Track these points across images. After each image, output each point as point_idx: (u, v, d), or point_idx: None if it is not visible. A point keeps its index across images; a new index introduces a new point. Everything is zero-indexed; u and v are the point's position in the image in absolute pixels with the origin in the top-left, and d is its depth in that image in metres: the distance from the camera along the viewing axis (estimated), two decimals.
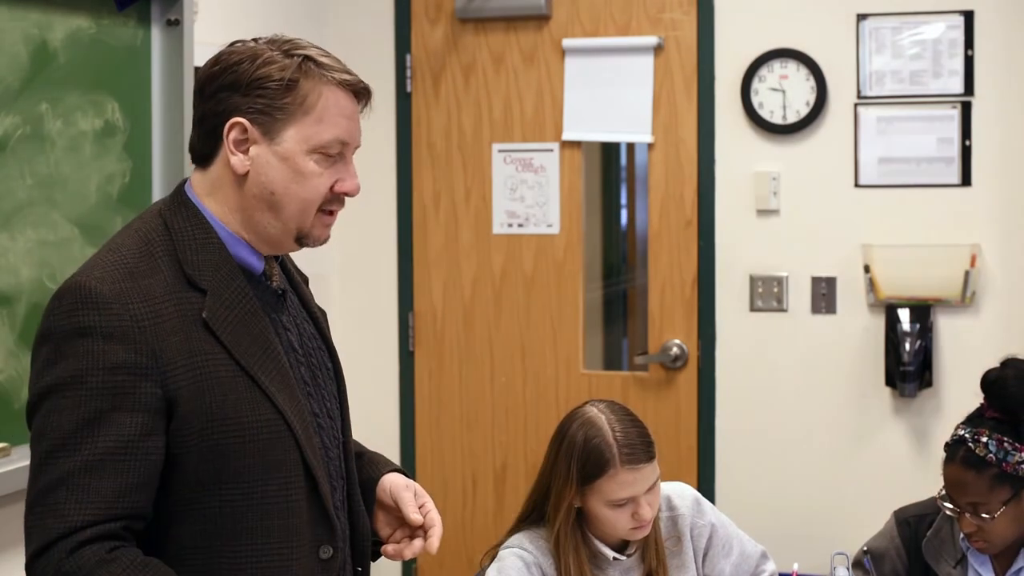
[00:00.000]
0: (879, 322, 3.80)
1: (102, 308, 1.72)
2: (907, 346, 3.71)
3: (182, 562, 1.77)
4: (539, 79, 4.10)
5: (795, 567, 2.71)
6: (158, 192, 3.15)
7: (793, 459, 3.91)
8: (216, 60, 1.84)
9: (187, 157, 3.12)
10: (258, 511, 1.79)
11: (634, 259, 5.42)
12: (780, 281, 3.91)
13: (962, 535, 2.70)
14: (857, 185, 3.84)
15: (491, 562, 2.57)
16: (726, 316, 3.96)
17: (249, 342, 1.80)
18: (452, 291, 4.19)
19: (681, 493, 2.67)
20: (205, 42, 3.24)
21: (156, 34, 3.16)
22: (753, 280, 3.93)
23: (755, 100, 3.90)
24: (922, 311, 3.74)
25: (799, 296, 3.89)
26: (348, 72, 1.85)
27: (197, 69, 3.18)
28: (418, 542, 1.97)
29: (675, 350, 4.01)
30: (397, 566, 4.21)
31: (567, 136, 4.07)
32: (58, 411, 1.71)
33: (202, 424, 1.75)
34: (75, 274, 1.78)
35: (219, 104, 1.82)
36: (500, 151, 4.15)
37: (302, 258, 2.02)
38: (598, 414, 2.54)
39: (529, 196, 4.12)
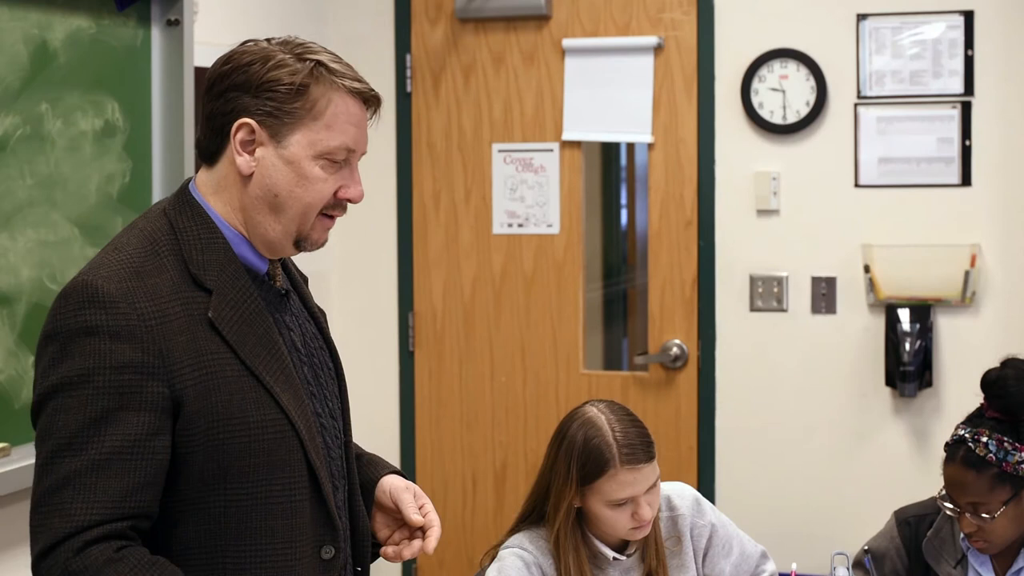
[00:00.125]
0: (879, 322, 3.80)
1: (109, 307, 1.72)
2: (907, 346, 3.71)
3: (186, 561, 1.77)
4: (539, 79, 4.10)
5: (793, 567, 2.71)
6: (158, 192, 3.15)
7: (793, 459, 3.91)
8: (227, 59, 1.84)
9: (187, 157, 3.15)
10: (262, 511, 1.79)
11: (634, 259, 5.42)
12: (780, 281, 3.91)
13: (962, 535, 2.70)
14: (857, 185, 3.84)
15: (491, 562, 2.58)
16: (726, 316, 3.96)
17: (254, 342, 1.81)
18: (452, 291, 4.19)
19: (681, 493, 2.67)
20: (205, 42, 3.24)
21: (156, 34, 3.16)
22: (753, 280, 3.93)
23: (755, 100, 3.90)
24: (922, 311, 3.74)
25: (799, 296, 3.90)
26: (359, 79, 1.85)
27: (197, 69, 3.18)
28: (416, 543, 1.97)
29: (675, 350, 4.01)
30: (397, 566, 4.21)
31: (567, 136, 4.07)
32: (64, 410, 1.71)
33: (208, 423, 1.75)
34: (81, 273, 1.77)
35: (228, 103, 1.82)
36: (500, 151, 4.15)
37: (302, 257, 2.02)
38: (598, 414, 2.54)
39: (529, 196, 4.12)
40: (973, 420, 2.69)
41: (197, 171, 1.92)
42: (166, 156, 3.16)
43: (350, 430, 2.01)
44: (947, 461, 2.68)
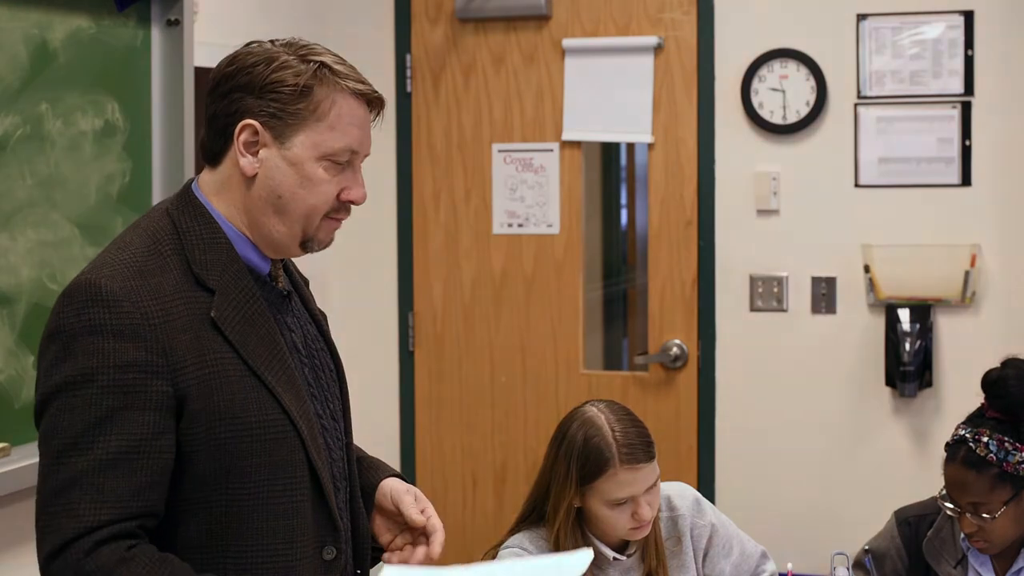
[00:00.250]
0: (879, 322, 3.80)
1: (112, 306, 1.72)
2: (907, 346, 3.71)
3: (188, 561, 1.76)
4: (539, 79, 4.10)
5: (789, 567, 2.71)
6: (158, 192, 3.15)
7: (793, 459, 3.91)
8: (232, 60, 1.84)
9: (187, 157, 3.15)
10: (263, 511, 1.79)
11: (634, 259, 5.42)
12: (780, 281, 3.91)
13: (963, 535, 2.70)
14: (857, 185, 3.84)
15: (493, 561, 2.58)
16: (726, 316, 3.96)
17: (256, 342, 1.81)
18: (452, 291, 4.19)
19: (681, 493, 2.67)
20: (205, 42, 3.24)
21: (156, 34, 3.16)
22: (753, 280, 3.93)
23: (755, 100, 3.90)
24: (922, 311, 3.74)
25: (799, 296, 3.90)
26: (362, 81, 1.86)
27: (197, 69, 3.18)
28: (421, 549, 1.97)
29: (675, 350, 4.01)
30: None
31: (567, 136, 4.07)
32: (69, 410, 1.70)
33: (209, 423, 1.75)
34: (84, 272, 1.77)
35: (232, 104, 1.82)
36: (500, 151, 4.15)
37: (302, 257, 2.02)
38: (598, 414, 2.54)
39: (529, 196, 4.12)
40: (974, 420, 2.69)
41: (199, 172, 1.92)
42: (166, 156, 3.16)
43: (351, 432, 2.01)
44: (948, 461, 2.68)
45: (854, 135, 3.83)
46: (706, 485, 3.94)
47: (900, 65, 3.79)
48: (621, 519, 2.50)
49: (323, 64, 1.82)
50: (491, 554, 2.61)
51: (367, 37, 4.19)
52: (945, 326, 3.78)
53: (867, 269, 3.80)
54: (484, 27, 4.13)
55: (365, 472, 2.06)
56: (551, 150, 4.10)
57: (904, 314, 3.74)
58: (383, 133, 4.18)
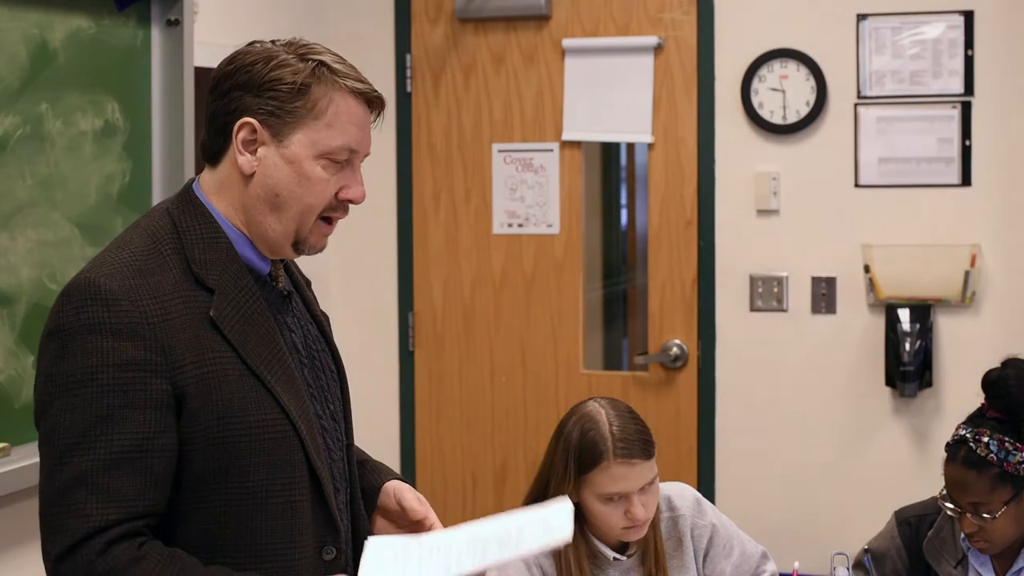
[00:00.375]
0: (879, 322, 3.80)
1: (111, 305, 1.72)
2: (907, 346, 3.71)
3: None
4: (539, 79, 4.10)
5: (796, 566, 2.71)
6: (158, 192, 3.15)
7: (793, 459, 3.91)
8: (231, 59, 1.85)
9: (187, 157, 3.15)
10: (262, 511, 1.79)
11: (634, 259, 5.42)
12: (780, 281, 3.91)
13: (963, 535, 2.70)
14: (857, 185, 3.84)
15: None
16: (726, 316, 3.96)
17: (256, 342, 1.81)
18: (452, 291, 4.19)
19: (681, 493, 2.67)
20: (205, 42, 3.24)
21: (156, 34, 3.16)
22: (753, 280, 3.93)
23: (755, 100, 3.90)
24: (922, 311, 3.74)
25: (799, 296, 3.90)
26: (362, 80, 1.86)
27: (197, 69, 3.18)
28: None
29: (675, 350, 4.01)
30: None
31: (567, 136, 4.07)
32: (70, 410, 1.71)
33: (208, 422, 1.75)
34: (83, 271, 1.78)
35: (231, 103, 1.82)
36: (500, 151, 4.15)
37: (302, 257, 2.02)
38: (598, 409, 2.55)
39: (529, 196, 4.12)
40: (974, 420, 2.69)
41: (199, 172, 1.92)
42: (166, 156, 3.16)
43: (351, 433, 2.01)
44: (948, 461, 2.68)
45: (854, 135, 3.83)
46: (706, 485, 3.94)
47: (900, 65, 3.79)
48: (614, 516, 2.50)
49: (322, 63, 1.83)
50: None
51: (367, 37, 4.19)
52: (945, 326, 3.78)
53: (867, 269, 3.80)
54: (484, 27, 4.13)
55: (368, 474, 2.06)
56: (551, 150, 4.10)
57: (904, 314, 3.74)
58: (383, 133, 4.18)
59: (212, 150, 1.87)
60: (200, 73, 3.18)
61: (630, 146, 5.22)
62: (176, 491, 1.76)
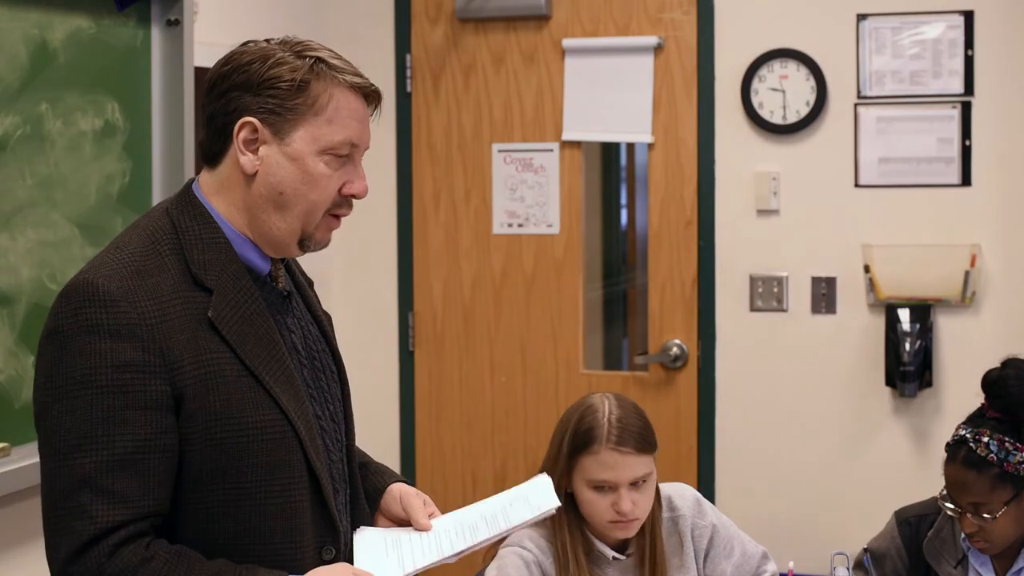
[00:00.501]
0: (879, 322, 3.80)
1: (109, 306, 1.72)
2: (907, 346, 3.71)
3: None
4: (539, 79, 4.10)
5: (790, 565, 2.71)
6: (158, 192, 3.15)
7: (793, 459, 3.91)
8: (227, 59, 1.84)
9: (187, 157, 3.14)
10: (261, 511, 1.79)
11: (634, 259, 5.42)
12: (780, 281, 3.91)
13: (963, 535, 2.70)
14: (857, 185, 3.84)
15: (493, 559, 2.57)
16: (726, 316, 3.96)
17: (254, 342, 1.81)
18: (452, 291, 4.19)
19: (682, 494, 2.67)
20: (205, 42, 3.24)
21: (156, 34, 3.16)
22: (753, 280, 3.93)
23: (755, 100, 3.90)
24: (922, 311, 3.74)
25: (799, 296, 3.90)
26: (359, 75, 1.86)
27: (197, 69, 3.18)
28: None
29: (675, 350, 4.01)
30: None
31: (567, 136, 4.07)
32: (70, 412, 1.70)
33: (206, 423, 1.75)
34: (82, 272, 1.77)
35: (229, 103, 1.82)
36: (500, 151, 4.15)
37: (303, 258, 2.02)
38: (602, 399, 2.57)
39: (529, 196, 4.12)
40: (974, 420, 2.69)
41: (198, 172, 1.91)
42: (166, 156, 3.16)
43: (352, 434, 2.01)
44: (948, 461, 2.68)
45: (854, 135, 3.83)
46: (706, 485, 3.94)
47: (900, 65, 3.79)
48: (601, 506, 2.50)
49: (319, 59, 1.83)
50: (493, 551, 2.61)
51: (367, 37, 4.19)
52: (945, 326, 3.78)
53: (867, 269, 3.80)
54: (484, 27, 4.13)
55: (371, 476, 2.06)
56: (551, 150, 4.10)
57: (904, 314, 3.74)
58: (383, 133, 4.20)
59: (212, 151, 1.86)
60: (200, 73, 3.18)
61: (630, 146, 5.22)
62: (175, 491, 1.76)
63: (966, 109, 3.75)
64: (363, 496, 2.01)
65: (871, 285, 3.80)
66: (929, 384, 3.76)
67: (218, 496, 1.77)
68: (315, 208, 1.84)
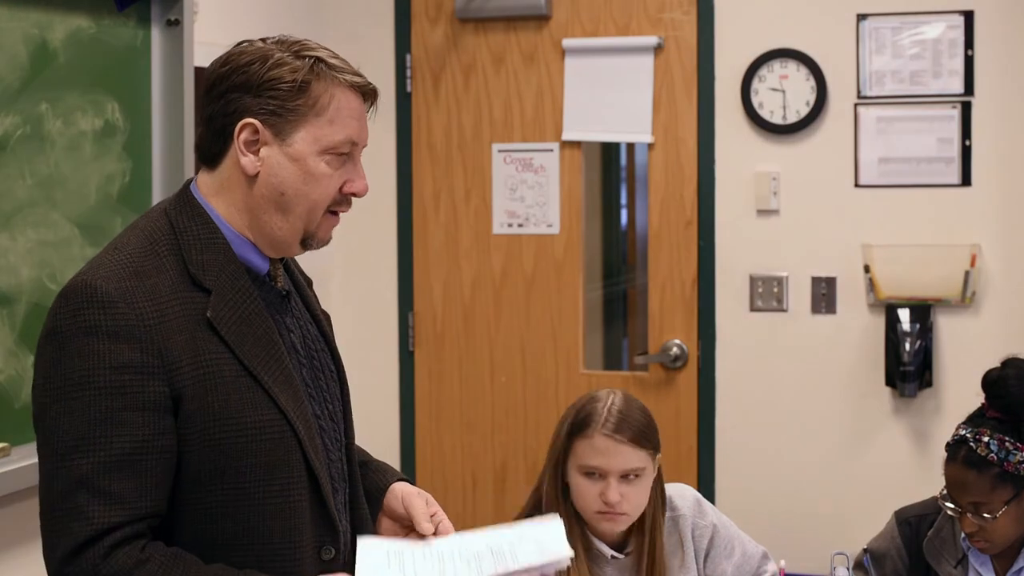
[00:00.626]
0: (879, 322, 3.80)
1: (107, 307, 1.72)
2: (907, 346, 3.71)
3: None
4: (539, 79, 4.10)
5: (782, 564, 2.70)
6: (158, 192, 3.15)
7: (793, 459, 3.91)
8: (225, 60, 1.84)
9: (187, 157, 3.14)
10: (260, 511, 1.79)
11: (634, 259, 5.42)
12: (780, 281, 3.91)
13: (963, 535, 2.70)
14: (857, 185, 3.84)
15: None
16: (726, 316, 3.96)
17: (253, 342, 1.80)
18: (452, 291, 4.19)
19: (682, 494, 2.67)
20: (205, 42, 3.24)
21: (156, 34, 3.16)
22: (753, 280, 3.93)
23: (755, 100, 3.90)
24: (922, 311, 3.74)
25: (799, 296, 3.90)
26: (357, 74, 1.86)
27: (197, 69, 3.18)
28: None
29: (675, 350, 4.01)
30: None
31: (567, 136, 4.07)
32: (68, 413, 1.70)
33: (205, 423, 1.75)
34: (80, 273, 1.77)
35: (229, 105, 1.81)
36: (500, 151, 4.15)
37: (302, 258, 2.02)
38: (609, 392, 2.59)
39: (529, 196, 4.12)
40: (974, 420, 2.69)
41: (198, 172, 1.91)
42: (166, 156, 3.16)
43: (352, 433, 2.01)
44: (948, 461, 2.68)
45: (854, 135, 3.83)
46: (706, 485, 3.94)
47: (900, 65, 3.79)
48: (590, 494, 2.50)
49: (319, 59, 1.83)
50: None
51: (367, 37, 4.19)
52: (945, 326, 3.78)
53: (867, 269, 3.80)
54: (484, 27, 4.13)
55: (373, 475, 2.05)
56: (551, 150, 4.10)
57: (904, 314, 3.74)
58: (383, 133, 4.20)
59: (211, 152, 1.86)
60: (200, 73, 3.18)
61: (630, 146, 5.22)
62: (173, 492, 1.76)
63: (966, 109, 3.75)
64: (363, 495, 2.01)
65: (871, 285, 3.80)
66: (929, 384, 3.76)
67: (217, 496, 1.77)
68: (316, 207, 1.84)
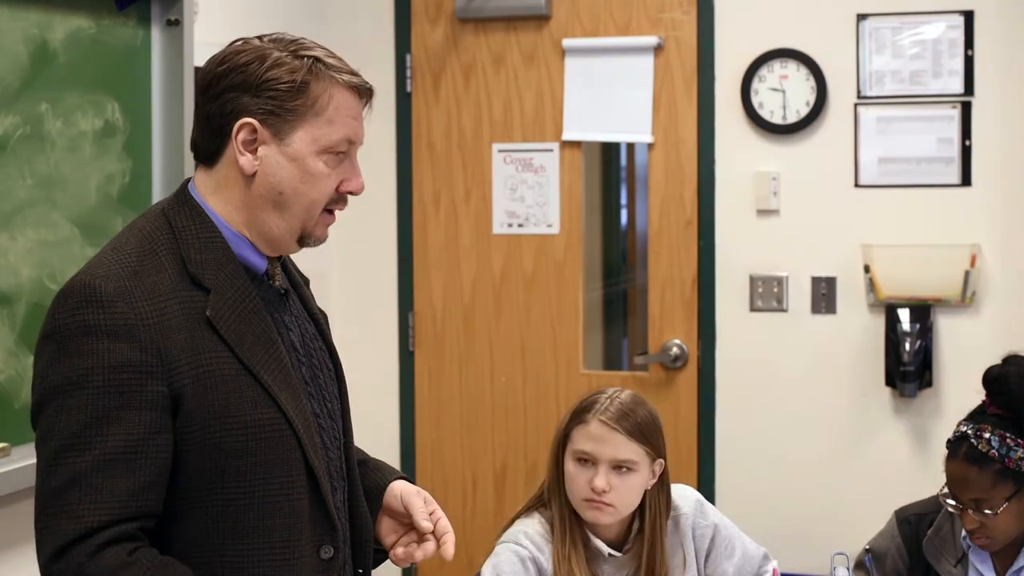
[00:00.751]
0: (879, 322, 3.80)
1: (106, 306, 1.72)
2: (907, 346, 3.71)
3: (185, 560, 1.76)
4: (539, 79, 4.10)
5: (774, 563, 2.70)
6: (158, 192, 3.15)
7: (793, 459, 3.91)
8: (222, 59, 1.84)
9: (187, 157, 3.14)
10: (259, 510, 1.79)
11: (634, 259, 5.42)
12: (780, 281, 3.91)
13: (963, 533, 2.70)
14: (857, 185, 3.84)
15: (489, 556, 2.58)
16: (726, 316, 3.96)
17: (252, 341, 1.81)
18: (452, 291, 4.19)
19: (683, 494, 2.67)
20: (205, 42, 3.24)
21: (156, 34, 3.16)
22: (753, 280, 3.93)
23: (755, 100, 3.90)
24: (922, 311, 3.74)
25: (799, 296, 3.89)
26: (354, 73, 1.87)
27: (197, 69, 3.18)
28: (429, 545, 1.96)
29: (675, 350, 4.00)
30: (398, 567, 4.20)
31: (567, 136, 4.07)
32: (66, 411, 1.70)
33: (205, 422, 1.75)
34: (79, 272, 1.78)
35: (227, 104, 1.81)
36: (500, 151, 4.15)
37: (302, 258, 2.02)
38: (617, 389, 2.62)
39: (529, 196, 4.12)
40: (975, 416, 2.70)
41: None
42: (166, 156, 3.16)
43: (350, 432, 2.01)
44: (949, 457, 2.68)
45: (854, 135, 3.83)
46: (706, 485, 3.93)
47: (900, 65, 3.79)
48: (579, 481, 2.51)
49: (317, 59, 1.83)
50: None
51: (367, 37, 4.19)
52: (945, 326, 3.78)
53: (867, 269, 3.80)
54: (484, 27, 4.13)
55: (371, 473, 2.06)
56: (551, 150, 4.10)
57: (904, 314, 3.74)
58: (383, 132, 4.20)
59: (208, 151, 1.86)
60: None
61: (630, 146, 5.22)
62: (173, 491, 1.76)
63: (966, 109, 3.75)
64: (362, 494, 2.01)
65: (871, 285, 3.80)
66: (929, 384, 3.76)
67: (216, 495, 1.77)
68: (314, 206, 1.84)
